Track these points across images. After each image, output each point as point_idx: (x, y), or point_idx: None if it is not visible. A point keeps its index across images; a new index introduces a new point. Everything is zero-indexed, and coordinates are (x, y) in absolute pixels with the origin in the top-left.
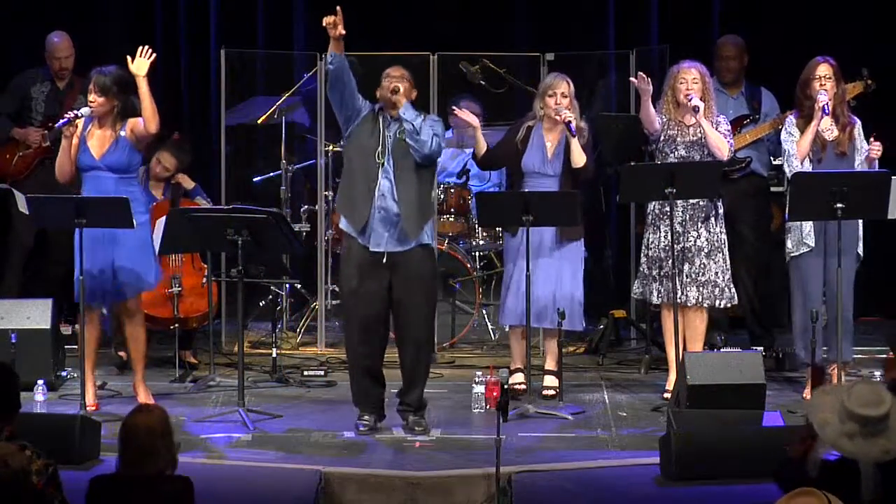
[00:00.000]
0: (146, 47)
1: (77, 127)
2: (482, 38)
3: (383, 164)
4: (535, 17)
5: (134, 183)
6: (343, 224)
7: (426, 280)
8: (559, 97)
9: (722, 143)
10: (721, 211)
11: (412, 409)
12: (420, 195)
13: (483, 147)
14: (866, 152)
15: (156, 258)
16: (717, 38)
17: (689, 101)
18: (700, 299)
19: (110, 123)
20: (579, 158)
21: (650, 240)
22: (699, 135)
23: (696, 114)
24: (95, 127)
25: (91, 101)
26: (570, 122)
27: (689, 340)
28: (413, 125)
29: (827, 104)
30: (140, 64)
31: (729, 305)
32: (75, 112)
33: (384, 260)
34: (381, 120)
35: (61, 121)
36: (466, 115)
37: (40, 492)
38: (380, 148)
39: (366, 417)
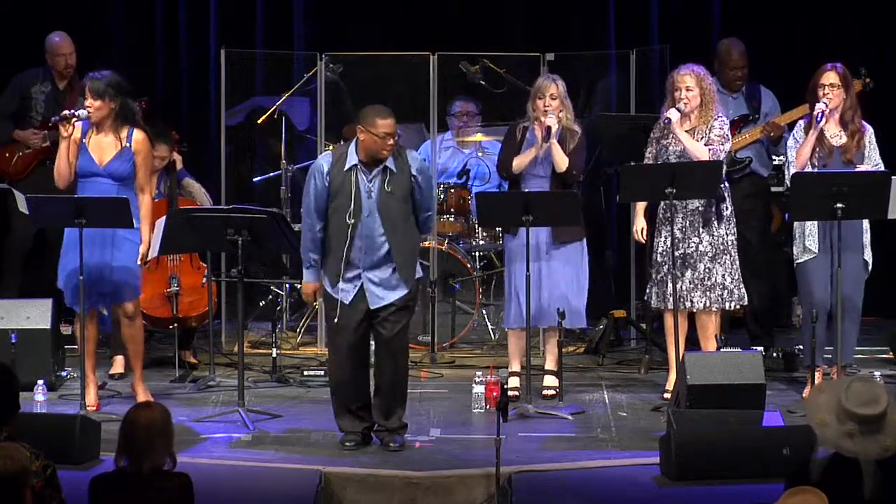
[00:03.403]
0: None
1: (73, 127)
2: (482, 38)
3: (355, 224)
4: (535, 17)
5: (132, 189)
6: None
7: (407, 310)
8: (548, 99)
9: (700, 153)
10: (727, 213)
11: (388, 431)
12: (411, 243)
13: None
14: (871, 162)
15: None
16: (717, 38)
17: (673, 111)
18: (707, 303)
19: (111, 128)
20: (560, 162)
21: (655, 244)
22: None
23: (668, 124)
24: (94, 132)
25: (88, 106)
26: (549, 127)
27: (701, 343)
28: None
29: (822, 113)
30: None
31: (739, 307)
32: (73, 111)
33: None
34: (354, 176)
35: (55, 117)
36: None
37: (39, 493)
38: (352, 207)
39: (350, 440)
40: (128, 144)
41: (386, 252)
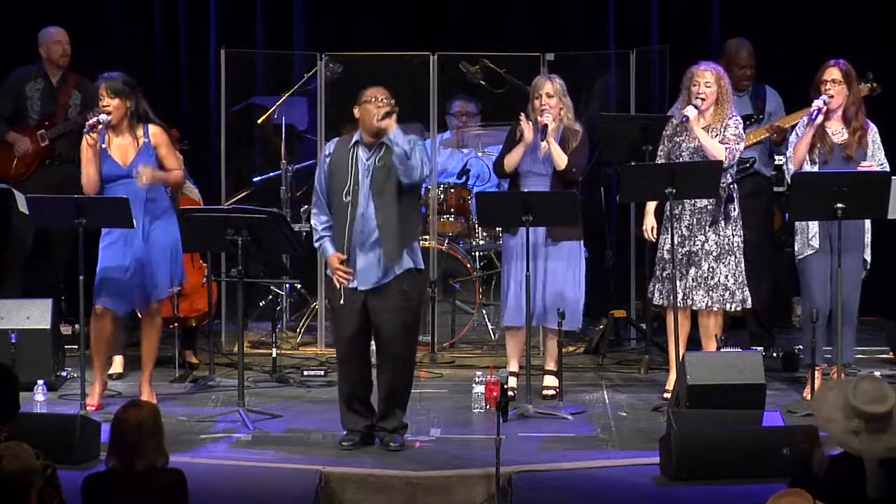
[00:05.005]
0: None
1: (97, 133)
2: (482, 38)
3: (354, 201)
4: (535, 16)
5: (161, 187)
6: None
7: (405, 310)
8: (544, 98)
9: (717, 150)
10: (734, 214)
11: (388, 431)
12: (402, 221)
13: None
14: (876, 161)
15: (181, 258)
16: (718, 38)
17: (690, 108)
18: (710, 303)
19: (127, 128)
20: (559, 161)
21: (660, 241)
22: None
23: (686, 122)
24: (112, 135)
25: (105, 106)
26: (545, 125)
27: (703, 342)
28: (405, 150)
29: (819, 110)
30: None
31: (740, 309)
32: (96, 118)
33: (364, 296)
34: (352, 154)
35: (84, 129)
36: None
37: (40, 492)
38: (350, 185)
39: (349, 440)
40: (146, 140)
41: (376, 231)
